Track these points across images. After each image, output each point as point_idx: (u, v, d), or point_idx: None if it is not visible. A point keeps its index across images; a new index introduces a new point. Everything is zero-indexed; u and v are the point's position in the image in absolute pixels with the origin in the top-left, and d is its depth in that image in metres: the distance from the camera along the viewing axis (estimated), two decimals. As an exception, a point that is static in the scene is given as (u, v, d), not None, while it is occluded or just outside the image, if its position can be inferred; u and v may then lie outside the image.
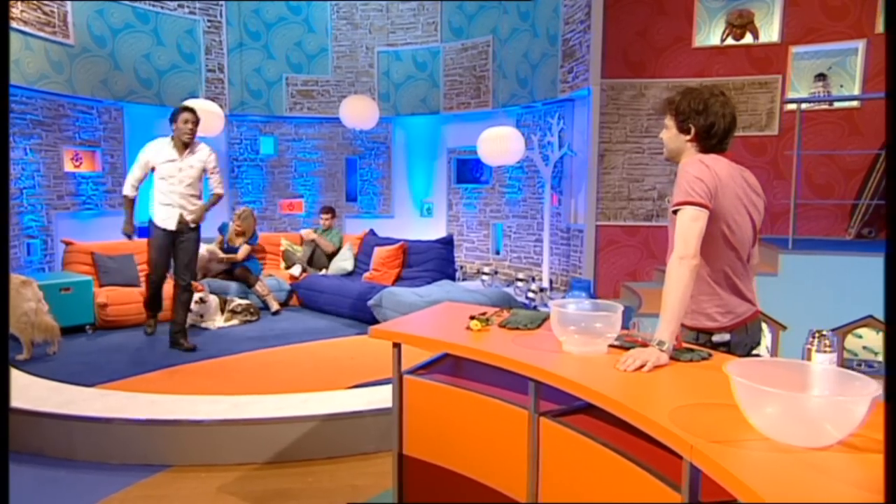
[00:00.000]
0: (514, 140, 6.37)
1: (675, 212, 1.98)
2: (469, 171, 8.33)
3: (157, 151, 4.60)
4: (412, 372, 2.38)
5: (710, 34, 6.04)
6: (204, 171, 4.67)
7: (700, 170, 1.97)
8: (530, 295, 6.38)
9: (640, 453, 1.63)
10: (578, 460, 1.79)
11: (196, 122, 4.57)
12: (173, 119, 4.56)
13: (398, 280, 5.99)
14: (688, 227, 1.91)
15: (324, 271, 6.54)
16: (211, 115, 7.04)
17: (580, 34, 6.28)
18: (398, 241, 6.28)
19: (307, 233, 6.79)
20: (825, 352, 1.45)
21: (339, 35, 8.28)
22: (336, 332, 5.23)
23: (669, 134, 2.15)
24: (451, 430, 2.21)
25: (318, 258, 6.73)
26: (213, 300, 5.44)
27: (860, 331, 4.47)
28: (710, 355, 1.93)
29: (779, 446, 1.28)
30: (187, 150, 4.58)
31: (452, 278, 5.93)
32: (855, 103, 5.72)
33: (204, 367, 4.21)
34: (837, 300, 4.42)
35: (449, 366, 2.47)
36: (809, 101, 5.58)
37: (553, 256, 7.09)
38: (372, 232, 6.89)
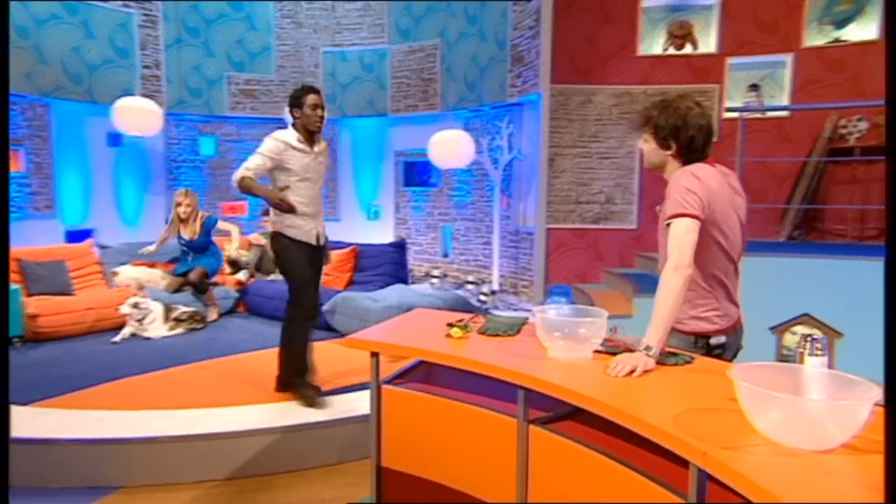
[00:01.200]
0: (466, 143, 6.37)
1: (667, 223, 2.00)
2: (417, 173, 8.27)
3: (289, 144, 3.46)
4: (389, 381, 2.31)
5: (653, 43, 6.23)
6: None
7: (692, 182, 1.99)
8: (482, 298, 6.38)
9: (634, 460, 1.63)
10: (571, 469, 1.77)
11: (324, 105, 3.57)
12: (296, 103, 3.48)
13: (350, 284, 5.86)
14: (682, 239, 1.93)
15: (272, 276, 6.32)
16: (148, 113, 6.70)
17: (529, 40, 6.35)
18: (349, 244, 6.15)
19: (255, 237, 6.55)
20: (817, 355, 1.49)
21: (282, 34, 8.05)
22: (288, 339, 5.04)
23: (650, 148, 2.16)
24: (433, 440, 2.16)
25: (266, 263, 6.50)
26: (156, 307, 5.15)
27: (796, 328, 4.71)
28: (692, 359, 1.96)
29: (786, 450, 1.30)
30: (315, 143, 3.55)
31: (405, 282, 5.85)
32: (785, 113, 6.04)
33: (152, 380, 3.97)
34: (774, 299, 4.64)
35: (425, 374, 2.41)
36: (751, 111, 5.83)
37: (502, 259, 7.13)
38: (321, 235, 6.72)
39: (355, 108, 8.16)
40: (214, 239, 5.97)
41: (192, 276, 5.66)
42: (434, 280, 7.41)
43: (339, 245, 6.24)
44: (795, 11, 5.95)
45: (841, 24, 5.89)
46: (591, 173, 6.24)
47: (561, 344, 2.02)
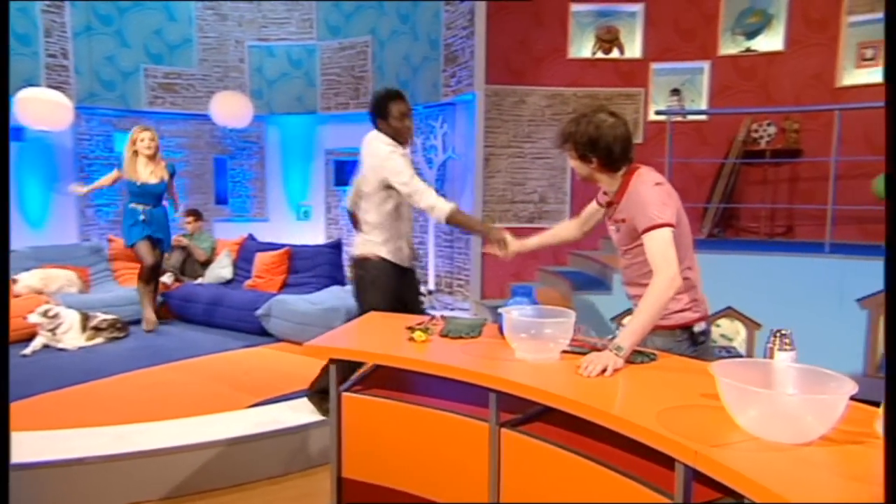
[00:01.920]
0: (400, 142, 6.27)
1: (644, 230, 2.04)
2: (349, 173, 8.07)
3: (405, 155, 3.06)
4: (348, 388, 2.20)
5: (582, 47, 6.37)
6: None
7: (662, 192, 2.07)
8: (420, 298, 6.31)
9: (607, 461, 1.62)
10: (545, 471, 1.75)
11: (412, 111, 3.15)
12: (381, 112, 3.05)
13: (284, 287, 5.64)
14: (667, 249, 1.99)
15: (199, 280, 5.99)
16: (55, 105, 6.19)
17: (463, 40, 6.34)
18: (282, 246, 5.92)
19: (177, 239, 6.17)
20: (786, 350, 1.54)
21: (204, 26, 7.64)
22: (221, 345, 4.78)
23: (575, 163, 2.22)
24: (398, 447, 2.08)
25: (189, 266, 6.16)
26: (71, 315, 4.74)
27: (720, 321, 4.95)
28: (655, 356, 1.99)
29: (769, 444, 1.32)
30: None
31: (343, 284, 5.69)
32: (703, 116, 6.34)
33: (72, 396, 3.63)
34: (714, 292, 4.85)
35: (382, 379, 2.32)
36: (675, 114, 6.06)
37: (438, 259, 7.09)
38: (251, 237, 6.44)
39: (283, 105, 7.87)
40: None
41: (150, 257, 4.98)
42: (368, 281, 7.26)
43: (272, 246, 5.99)
44: (711, 21, 6.26)
45: (751, 35, 6.25)
46: (525, 173, 6.31)
47: (528, 345, 1.99)
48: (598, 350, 1.95)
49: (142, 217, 5.05)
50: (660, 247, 1.99)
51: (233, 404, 3.50)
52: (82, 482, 2.81)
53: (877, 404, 1.35)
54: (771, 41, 6.15)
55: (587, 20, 6.35)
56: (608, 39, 6.31)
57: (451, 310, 6.64)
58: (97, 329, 4.81)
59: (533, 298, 2.28)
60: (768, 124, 6.15)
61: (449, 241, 7.00)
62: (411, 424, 2.03)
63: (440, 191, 7.05)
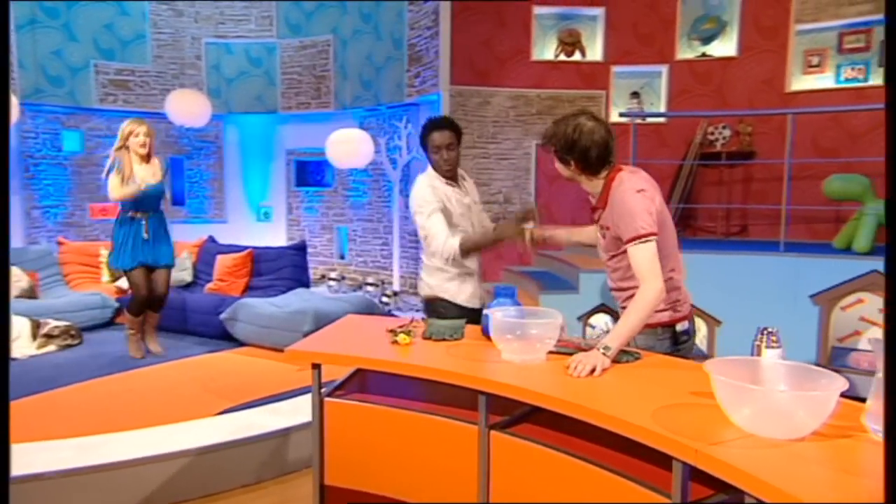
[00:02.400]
0: (365, 143, 6.21)
1: (628, 241, 2.05)
2: (310, 173, 7.95)
3: (437, 188, 2.84)
4: (330, 394, 2.15)
5: (545, 49, 6.43)
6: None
7: (644, 202, 2.06)
8: (384, 300, 6.27)
9: (600, 460, 1.63)
10: (536, 473, 1.74)
11: (453, 143, 2.87)
12: (423, 144, 2.89)
13: (247, 290, 5.50)
14: (652, 261, 2.01)
15: (157, 283, 5.77)
16: None
17: (427, 40, 6.31)
18: (244, 248, 5.77)
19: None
20: (773, 347, 1.57)
21: (158, 21, 7.38)
22: (183, 351, 4.63)
23: (557, 165, 2.23)
24: (384, 453, 2.04)
25: (147, 269, 5.93)
26: (20, 322, 4.50)
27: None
28: (640, 355, 2.01)
29: (764, 441, 1.35)
30: (460, 180, 2.96)
31: (307, 286, 5.60)
32: (662, 119, 6.50)
33: (26, 407, 3.44)
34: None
35: (363, 383, 2.28)
36: (642, 116, 6.17)
37: (402, 259, 7.05)
38: (211, 239, 6.26)
39: (243, 104, 7.68)
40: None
41: (162, 285, 4.32)
42: (331, 283, 7.16)
43: (234, 248, 5.84)
44: (669, 26, 6.41)
45: (706, 40, 6.43)
46: (490, 174, 6.34)
47: (515, 346, 1.99)
48: (584, 350, 1.96)
49: (144, 234, 4.20)
50: (645, 259, 2.00)
51: (201, 411, 3.38)
52: (42, 499, 2.67)
53: (848, 398, 1.39)
54: (725, 47, 6.34)
55: (549, 23, 6.41)
56: (570, 42, 6.39)
57: (417, 311, 6.61)
58: (49, 336, 4.58)
59: (516, 299, 2.27)
60: (723, 127, 6.34)
61: (413, 241, 6.96)
62: (397, 429, 2.00)
63: (404, 191, 7.02)
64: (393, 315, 5.72)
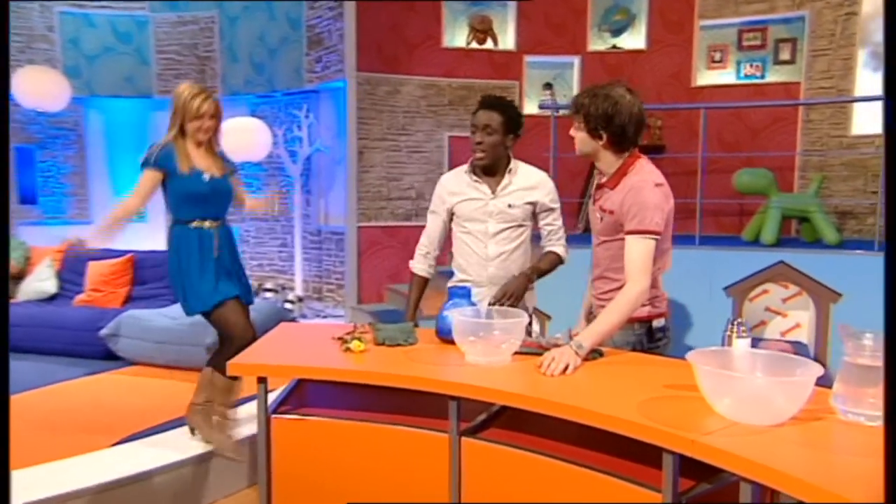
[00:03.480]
0: (262, 133, 6.02)
1: (630, 231, 2.11)
2: (192, 166, 7.56)
3: (444, 185, 2.80)
4: (276, 410, 2.10)
5: (456, 35, 6.56)
6: (535, 212, 2.75)
7: (661, 198, 2.13)
8: (288, 306, 6.12)
9: (583, 460, 1.73)
10: (513, 478, 1.81)
11: (486, 125, 2.63)
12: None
13: (128, 301, 5.16)
14: (646, 259, 2.09)
15: (14, 297, 5.27)
16: None
17: (329, 21, 6.23)
18: (123, 252, 5.40)
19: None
20: (743, 337, 1.75)
21: (1, -15, 6.71)
22: (54, 375, 4.26)
23: (581, 136, 2.27)
24: (341, 470, 2.02)
25: (21, 283, 5.42)
26: None
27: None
28: (602, 353, 2.13)
29: (748, 428, 1.50)
30: (500, 177, 2.70)
31: (201, 294, 5.33)
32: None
33: None
34: (579, 289, 5.26)
35: (305, 395, 2.25)
36: (561, 108, 6.42)
37: (304, 262, 6.90)
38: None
39: (108, 86, 7.17)
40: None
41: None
42: (222, 289, 6.87)
43: (110, 253, 5.42)
44: (580, 17, 6.76)
45: (617, 32, 6.85)
46: (402, 167, 6.36)
47: (479, 347, 2.05)
48: (546, 349, 2.05)
49: (215, 252, 3.06)
50: (640, 256, 2.09)
51: (91, 444, 3.14)
52: None
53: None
54: (635, 40, 6.79)
55: (460, 7, 6.54)
56: (482, 29, 6.56)
57: (324, 317, 6.52)
58: None
59: (471, 299, 2.33)
60: (635, 121, 6.78)
61: (316, 242, 6.85)
62: (357, 443, 1.99)
63: (304, 186, 6.88)
64: (297, 321, 5.59)
